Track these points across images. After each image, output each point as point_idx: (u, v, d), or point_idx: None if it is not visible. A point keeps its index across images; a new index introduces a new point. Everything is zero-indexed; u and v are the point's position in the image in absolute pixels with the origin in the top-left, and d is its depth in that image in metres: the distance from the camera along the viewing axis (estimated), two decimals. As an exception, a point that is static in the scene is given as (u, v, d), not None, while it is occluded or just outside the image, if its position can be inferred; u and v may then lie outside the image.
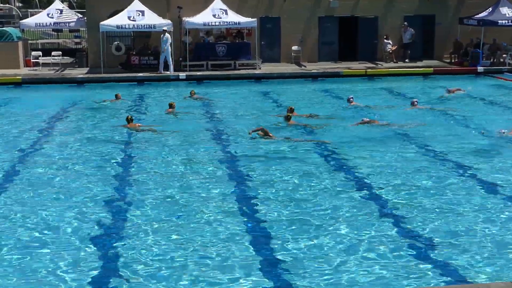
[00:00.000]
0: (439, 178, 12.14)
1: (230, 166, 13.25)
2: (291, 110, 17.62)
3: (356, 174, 12.47)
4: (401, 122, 17.04)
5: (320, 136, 15.85)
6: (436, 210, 10.33)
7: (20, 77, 26.23)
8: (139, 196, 11.23)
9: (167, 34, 26.51)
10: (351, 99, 20.12)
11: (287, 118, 16.89)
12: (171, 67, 26.70)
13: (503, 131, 15.04)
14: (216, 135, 16.21)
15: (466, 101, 20.94)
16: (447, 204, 10.59)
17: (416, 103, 19.35)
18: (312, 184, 11.83)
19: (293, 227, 9.64)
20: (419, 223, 9.76)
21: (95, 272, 8.20)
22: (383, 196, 11.12)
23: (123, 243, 9.14)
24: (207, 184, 11.89)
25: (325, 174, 12.50)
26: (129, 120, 16.93)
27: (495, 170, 12.63)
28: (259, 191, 11.41)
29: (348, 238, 9.21)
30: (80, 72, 27.35)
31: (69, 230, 9.66)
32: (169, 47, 26.51)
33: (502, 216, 10.09)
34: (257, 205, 10.76)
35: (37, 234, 9.52)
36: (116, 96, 21.24)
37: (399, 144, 14.90)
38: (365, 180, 12.01)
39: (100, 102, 21.17)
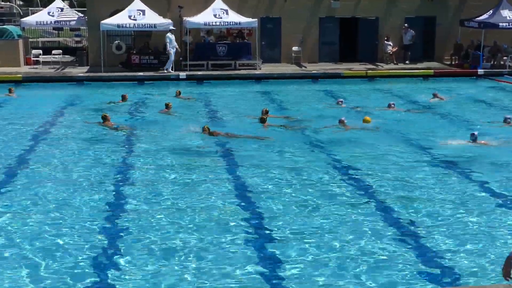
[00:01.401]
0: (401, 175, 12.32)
1: (204, 165, 13.34)
2: (266, 112, 17.66)
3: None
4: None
5: (294, 136, 16.00)
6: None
7: (21, 75, 26.24)
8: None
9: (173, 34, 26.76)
10: (340, 102, 20.27)
11: (262, 121, 16.91)
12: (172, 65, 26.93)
13: (475, 133, 14.96)
14: (196, 135, 16.04)
15: (454, 104, 20.95)
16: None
17: (393, 105, 19.54)
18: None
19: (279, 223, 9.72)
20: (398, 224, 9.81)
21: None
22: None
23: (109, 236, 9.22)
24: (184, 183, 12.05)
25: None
26: (104, 118, 16.96)
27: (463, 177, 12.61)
28: (233, 188, 11.67)
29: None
30: (80, 71, 27.35)
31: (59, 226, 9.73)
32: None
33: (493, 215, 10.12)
34: (236, 201, 10.95)
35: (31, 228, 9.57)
36: (123, 97, 21.14)
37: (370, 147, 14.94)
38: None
39: (109, 103, 20.95)
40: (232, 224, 9.89)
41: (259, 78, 26.93)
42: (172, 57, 26.74)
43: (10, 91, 22.22)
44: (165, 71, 26.80)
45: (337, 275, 8.11)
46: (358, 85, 25.72)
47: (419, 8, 30.58)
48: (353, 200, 11.04)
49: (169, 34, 26.67)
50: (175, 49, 26.79)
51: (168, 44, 26.59)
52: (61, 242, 9.13)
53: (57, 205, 10.69)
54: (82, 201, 10.93)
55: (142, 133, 16.52)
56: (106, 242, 9.23)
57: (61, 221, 9.97)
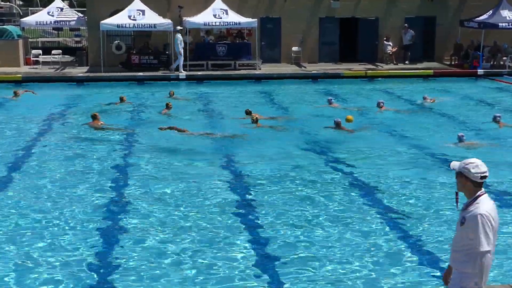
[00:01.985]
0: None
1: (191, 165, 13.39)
2: (249, 113, 17.62)
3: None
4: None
5: (283, 136, 16.02)
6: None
7: (21, 75, 26.25)
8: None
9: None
10: (331, 101, 20.32)
11: (255, 121, 16.88)
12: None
13: (461, 134, 14.96)
14: (183, 137, 16.06)
15: (450, 104, 20.91)
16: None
17: (382, 104, 19.59)
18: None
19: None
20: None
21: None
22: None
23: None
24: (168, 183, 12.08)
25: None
26: (94, 117, 16.99)
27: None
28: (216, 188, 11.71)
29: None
30: (80, 71, 27.36)
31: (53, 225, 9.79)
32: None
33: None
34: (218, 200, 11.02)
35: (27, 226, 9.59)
36: (121, 99, 21.02)
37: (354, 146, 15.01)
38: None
39: (107, 104, 20.87)
40: (229, 226, 9.90)
41: (259, 78, 26.93)
42: (182, 58, 26.70)
43: (15, 94, 21.82)
44: (175, 71, 26.76)
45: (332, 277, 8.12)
46: (358, 85, 25.69)
47: (419, 8, 30.57)
48: (344, 201, 11.09)
49: (178, 35, 26.65)
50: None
51: (179, 45, 26.54)
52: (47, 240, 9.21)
53: (42, 209, 10.64)
54: (72, 203, 10.93)
55: (134, 133, 16.49)
56: (95, 244, 9.23)
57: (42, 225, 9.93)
